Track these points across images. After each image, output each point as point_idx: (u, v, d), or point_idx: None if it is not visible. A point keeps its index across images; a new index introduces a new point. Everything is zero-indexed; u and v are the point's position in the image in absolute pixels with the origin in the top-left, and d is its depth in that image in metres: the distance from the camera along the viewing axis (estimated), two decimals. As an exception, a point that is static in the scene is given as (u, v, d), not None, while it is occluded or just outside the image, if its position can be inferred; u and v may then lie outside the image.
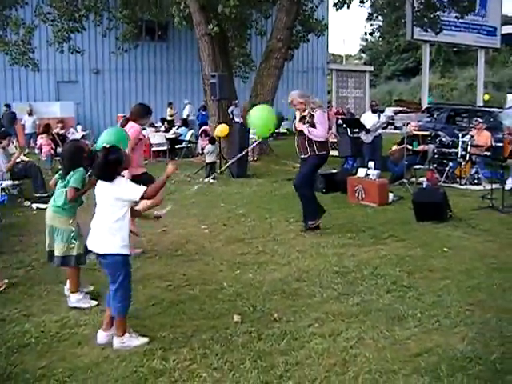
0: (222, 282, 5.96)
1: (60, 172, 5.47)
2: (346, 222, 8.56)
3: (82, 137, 15.32)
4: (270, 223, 8.75)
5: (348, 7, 17.57)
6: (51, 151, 14.86)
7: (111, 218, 4.27)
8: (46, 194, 10.78)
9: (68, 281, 5.47)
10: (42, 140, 15.04)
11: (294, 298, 5.46)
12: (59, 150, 14.96)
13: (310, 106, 7.78)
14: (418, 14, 20.71)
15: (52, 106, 23.69)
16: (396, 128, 20.45)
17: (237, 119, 15.31)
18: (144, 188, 4.28)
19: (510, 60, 48.45)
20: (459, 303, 5.20)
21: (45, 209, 9.50)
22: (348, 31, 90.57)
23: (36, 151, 15.99)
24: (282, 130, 25.84)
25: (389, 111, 24.76)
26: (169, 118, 22.36)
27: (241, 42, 19.69)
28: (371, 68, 35.97)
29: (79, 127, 18.71)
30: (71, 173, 5.26)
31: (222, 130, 14.03)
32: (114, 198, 4.27)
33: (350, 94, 31.64)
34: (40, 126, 17.63)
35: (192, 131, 18.93)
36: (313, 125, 7.66)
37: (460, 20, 21.85)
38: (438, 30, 20.57)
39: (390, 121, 15.39)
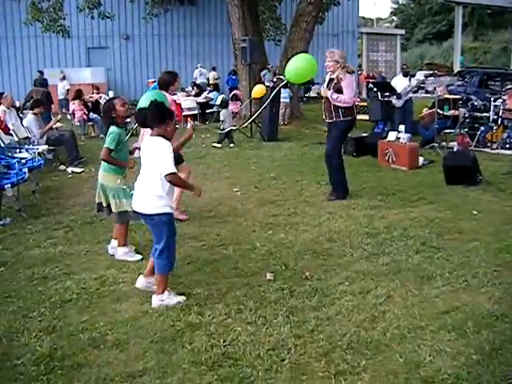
0: (254, 241, 6.12)
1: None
2: (375, 185, 8.62)
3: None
4: (300, 186, 8.86)
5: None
6: (84, 116, 15.08)
7: (156, 178, 4.40)
8: (80, 159, 11.06)
9: (113, 238, 5.82)
10: (74, 106, 15.24)
11: (324, 257, 5.61)
12: (92, 115, 15.22)
13: (343, 69, 7.67)
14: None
15: (83, 71, 23.91)
16: (427, 92, 20.20)
17: (267, 83, 15.27)
18: (174, 171, 4.34)
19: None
20: (487, 264, 5.29)
21: (79, 172, 9.81)
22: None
23: (68, 117, 16.21)
24: (312, 94, 25.75)
25: (420, 75, 24.53)
26: (212, 82, 22.45)
27: (271, 5, 19.53)
28: (402, 31, 35.39)
29: (111, 93, 18.88)
30: (108, 132, 5.49)
31: (258, 91, 14.01)
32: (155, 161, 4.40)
33: (381, 58, 31.27)
34: (71, 92, 17.84)
35: (223, 95, 18.97)
36: (339, 90, 7.60)
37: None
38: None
39: (421, 85, 15.25)
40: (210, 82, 22.19)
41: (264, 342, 3.86)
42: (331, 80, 7.72)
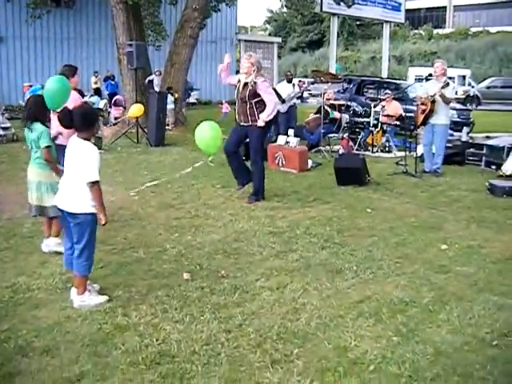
0: (163, 244, 6.17)
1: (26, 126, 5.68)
2: (270, 187, 8.86)
3: (-9, 106, 14.79)
4: (197, 189, 8.97)
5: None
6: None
7: (82, 180, 4.37)
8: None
9: (46, 234, 5.94)
10: None
11: (235, 256, 5.77)
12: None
13: (257, 74, 7.83)
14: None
15: None
16: (312, 96, 20.98)
17: (157, 88, 15.24)
18: (98, 180, 4.40)
19: (410, 35, 50.55)
20: (388, 257, 5.71)
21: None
22: (252, 2, 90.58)
23: None
24: (191, 100, 25.87)
25: (296, 81, 25.40)
26: (94, 86, 21.94)
27: (153, 10, 19.44)
28: (279, 39, 36.43)
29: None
30: (37, 132, 5.52)
31: (136, 110, 13.90)
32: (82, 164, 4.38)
33: (258, 65, 31.93)
34: None
35: (105, 100, 18.67)
36: (255, 94, 7.78)
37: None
38: (350, 4, 21.20)
39: (306, 91, 15.85)
40: (92, 87, 21.71)
41: (196, 339, 3.95)
42: (246, 84, 7.85)
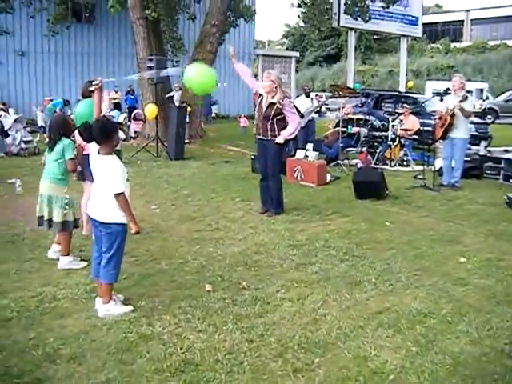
0: (185, 256, 6.29)
1: (49, 147, 5.90)
2: (289, 201, 8.96)
3: (15, 120, 15.03)
4: (216, 202, 9.09)
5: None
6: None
7: (109, 190, 4.53)
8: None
9: (54, 243, 6.14)
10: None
11: (256, 268, 5.87)
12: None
13: (281, 91, 7.93)
14: (349, 2, 21.42)
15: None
16: (330, 110, 21.14)
17: (176, 103, 15.45)
18: (123, 191, 4.52)
19: (427, 49, 50.57)
20: (407, 269, 5.77)
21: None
22: (270, 17, 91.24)
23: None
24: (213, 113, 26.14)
25: (313, 95, 25.58)
26: (114, 101, 22.24)
27: (172, 25, 19.73)
28: (297, 54, 36.68)
29: (11, 110, 18.28)
30: (61, 145, 5.75)
31: (150, 110, 14.10)
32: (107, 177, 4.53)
33: (276, 79, 32.14)
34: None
35: (125, 114, 18.92)
36: (280, 113, 7.88)
37: (385, 9, 22.87)
38: (367, 19, 21.38)
39: (324, 105, 16.00)
40: (111, 102, 21.99)
41: (219, 348, 4.05)
42: (272, 104, 7.89)
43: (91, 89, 5.88)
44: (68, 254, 5.93)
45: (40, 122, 18.15)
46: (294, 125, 8.02)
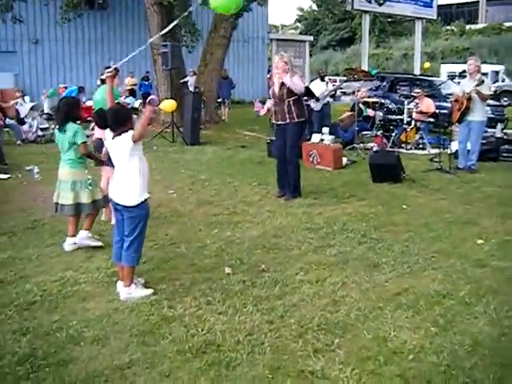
0: (203, 239, 6.35)
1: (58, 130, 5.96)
2: (306, 185, 8.95)
3: (32, 108, 15.16)
4: (234, 187, 9.13)
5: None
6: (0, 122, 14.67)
7: (134, 174, 4.61)
8: (4, 165, 10.87)
9: (68, 236, 6.13)
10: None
11: (274, 251, 5.92)
12: (8, 121, 14.81)
13: (292, 72, 7.96)
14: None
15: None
16: (345, 94, 21.07)
17: (191, 88, 15.47)
18: (131, 132, 4.58)
19: (441, 31, 50.04)
20: (425, 251, 5.80)
21: (6, 179, 9.64)
22: (283, 0, 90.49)
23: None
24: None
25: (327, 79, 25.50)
26: (129, 87, 22.31)
27: (185, 11, 19.64)
28: (311, 38, 36.53)
29: (27, 98, 18.38)
30: (71, 131, 5.80)
31: (168, 106, 14.04)
32: (129, 152, 4.57)
33: (290, 64, 32.03)
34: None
35: (140, 100, 18.98)
36: (291, 90, 7.88)
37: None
38: (381, 2, 21.22)
39: (339, 89, 15.95)
40: (127, 88, 22.06)
41: (240, 329, 4.11)
42: (282, 84, 7.96)
43: (102, 77, 5.93)
44: (88, 229, 6.09)
45: (46, 109, 18.16)
46: (298, 86, 7.91)
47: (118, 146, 4.64)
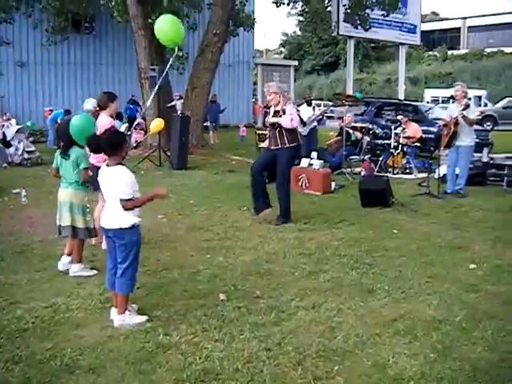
0: (196, 265, 6.30)
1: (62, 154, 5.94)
2: (296, 209, 8.94)
3: (18, 130, 15.07)
4: (223, 212, 9.10)
5: (288, 4, 18.13)
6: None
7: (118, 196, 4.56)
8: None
9: (64, 255, 6.15)
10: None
11: (268, 277, 5.89)
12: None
13: (284, 99, 8.06)
14: (349, 11, 21.51)
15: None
16: (329, 118, 21.24)
17: (179, 112, 15.49)
18: (131, 196, 4.51)
19: (424, 56, 50.82)
20: (418, 276, 5.81)
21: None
22: (267, 25, 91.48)
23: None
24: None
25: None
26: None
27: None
28: (296, 63, 36.87)
29: (13, 121, 18.25)
30: (75, 155, 5.82)
31: (156, 125, 14.03)
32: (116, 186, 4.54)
33: (275, 88, 32.26)
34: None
35: (126, 124, 18.89)
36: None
37: (384, 17, 23.00)
38: (367, 27, 21.48)
39: (326, 113, 16.06)
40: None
41: (238, 357, 4.06)
42: (277, 112, 8.05)
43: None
44: (80, 261, 6.02)
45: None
46: (286, 120, 7.95)
47: (111, 175, 4.61)
